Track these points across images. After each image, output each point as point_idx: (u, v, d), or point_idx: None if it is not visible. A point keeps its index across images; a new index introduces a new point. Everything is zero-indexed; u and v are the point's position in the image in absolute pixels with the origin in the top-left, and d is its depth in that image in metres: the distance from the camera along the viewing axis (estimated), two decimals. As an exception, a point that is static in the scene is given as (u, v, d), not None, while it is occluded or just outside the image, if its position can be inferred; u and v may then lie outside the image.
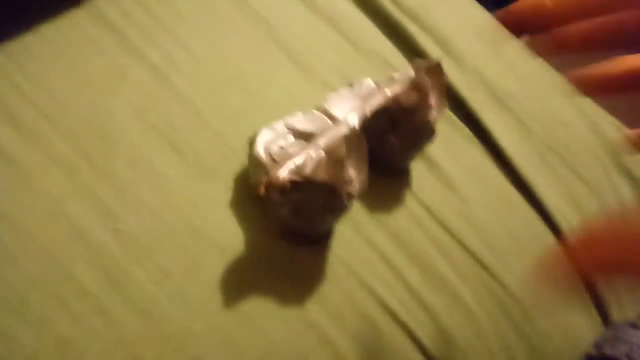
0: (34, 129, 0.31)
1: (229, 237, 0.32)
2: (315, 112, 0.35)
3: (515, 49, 0.56)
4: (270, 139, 0.32)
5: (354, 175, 0.31)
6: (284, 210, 0.31)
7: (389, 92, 0.36)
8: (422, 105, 0.35)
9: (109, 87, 0.35)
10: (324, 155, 0.30)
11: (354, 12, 0.49)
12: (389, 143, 0.36)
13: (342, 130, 0.32)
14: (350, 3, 0.50)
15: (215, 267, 0.31)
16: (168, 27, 0.40)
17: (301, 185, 0.29)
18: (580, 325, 0.41)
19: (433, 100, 0.36)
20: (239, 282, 0.31)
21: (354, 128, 0.32)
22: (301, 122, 0.33)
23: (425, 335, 0.34)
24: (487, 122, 0.45)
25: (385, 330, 0.33)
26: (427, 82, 0.36)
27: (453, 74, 0.46)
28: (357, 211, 0.37)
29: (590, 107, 0.52)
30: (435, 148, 0.42)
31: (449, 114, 0.45)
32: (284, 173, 0.29)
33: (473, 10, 0.55)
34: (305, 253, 0.33)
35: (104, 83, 0.35)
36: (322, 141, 0.31)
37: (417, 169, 0.40)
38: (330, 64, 0.44)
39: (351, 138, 0.31)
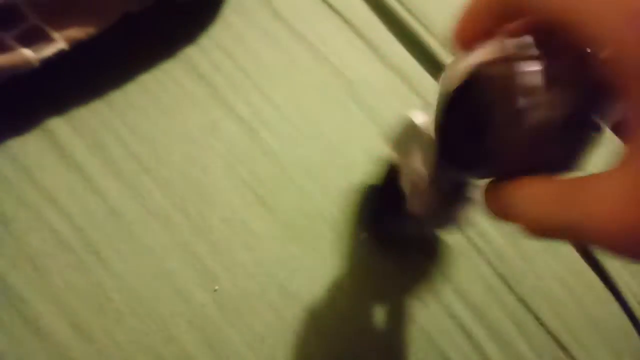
0: (136, 182, 0.32)
1: (316, 300, 0.32)
2: None
3: None
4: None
5: None
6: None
7: None
8: None
9: (203, 140, 0.36)
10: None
11: (421, 69, 0.50)
12: None
13: None
14: (417, 60, 0.51)
15: (305, 331, 0.31)
16: (255, 80, 0.41)
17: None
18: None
19: None
20: (328, 346, 0.31)
21: None
22: None
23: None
24: None
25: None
26: None
27: None
28: (436, 279, 0.37)
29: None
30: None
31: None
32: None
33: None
34: (387, 322, 0.33)
35: (199, 136, 0.36)
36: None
37: (495, 239, 0.41)
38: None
39: None
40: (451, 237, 0.39)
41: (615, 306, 0.42)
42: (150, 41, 0.39)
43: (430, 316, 0.35)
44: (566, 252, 0.43)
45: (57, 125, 0.32)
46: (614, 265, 0.44)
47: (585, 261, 0.43)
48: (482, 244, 0.40)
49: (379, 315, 0.34)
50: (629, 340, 0.41)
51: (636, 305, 0.43)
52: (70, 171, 0.31)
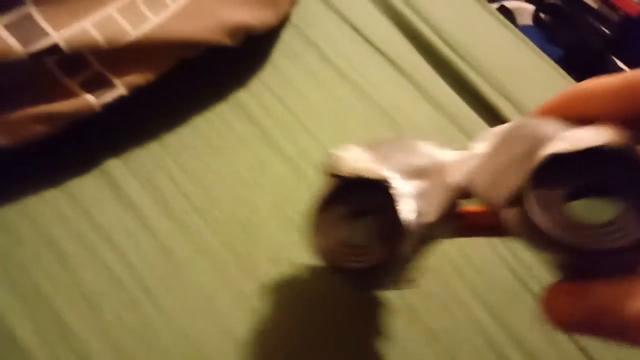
0: (186, 221, 0.33)
1: (359, 344, 0.32)
2: None
3: None
4: None
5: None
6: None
7: None
8: None
9: (252, 180, 0.37)
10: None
11: (468, 108, 0.50)
12: None
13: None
14: (463, 99, 0.51)
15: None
16: (302, 121, 0.42)
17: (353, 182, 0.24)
18: None
19: None
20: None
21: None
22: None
23: None
24: None
25: None
26: None
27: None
28: (489, 324, 0.35)
29: None
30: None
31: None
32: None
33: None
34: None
35: (248, 176, 0.37)
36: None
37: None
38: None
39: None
40: (503, 279, 0.38)
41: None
42: (203, 86, 0.40)
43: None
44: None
45: (114, 165, 0.34)
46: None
47: None
48: (533, 284, 0.38)
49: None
50: None
51: None
52: (124, 210, 0.32)
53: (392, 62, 0.50)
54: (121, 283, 0.29)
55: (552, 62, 0.59)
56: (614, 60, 1.00)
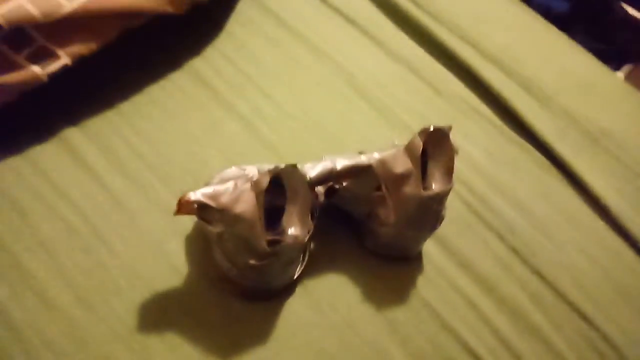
0: (140, 178, 0.37)
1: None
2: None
3: (613, 83, 0.56)
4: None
5: (295, 225, 0.29)
6: (217, 255, 0.31)
7: (376, 155, 0.33)
8: (412, 174, 0.32)
9: (205, 139, 0.40)
10: (249, 188, 0.28)
11: (430, 58, 0.51)
12: (379, 216, 0.34)
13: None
14: (426, 50, 0.52)
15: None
16: (255, 81, 0.45)
17: (211, 210, 0.28)
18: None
19: (436, 172, 0.33)
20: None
21: (304, 176, 0.31)
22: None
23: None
24: (580, 166, 0.44)
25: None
26: (418, 149, 0.32)
27: (539, 118, 0.47)
28: (438, 255, 0.37)
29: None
30: (527, 191, 0.42)
31: (539, 156, 0.45)
32: (196, 194, 0.28)
33: (563, 48, 0.56)
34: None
35: (201, 135, 0.40)
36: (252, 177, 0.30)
37: (506, 212, 0.41)
38: (410, 108, 0.47)
39: (296, 187, 0.30)
40: (456, 212, 0.40)
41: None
42: (157, 55, 0.44)
43: (432, 289, 0.36)
44: (589, 222, 0.42)
45: (72, 133, 0.38)
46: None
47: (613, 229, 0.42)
48: (491, 218, 0.40)
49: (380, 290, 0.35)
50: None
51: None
52: (82, 172, 0.36)
53: (351, 22, 0.52)
54: (77, 232, 0.33)
55: (524, 6, 0.60)
56: (622, 7, 0.98)
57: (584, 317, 0.37)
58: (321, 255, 0.35)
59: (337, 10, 0.52)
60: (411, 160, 0.32)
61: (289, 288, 0.33)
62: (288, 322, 0.32)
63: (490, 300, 0.36)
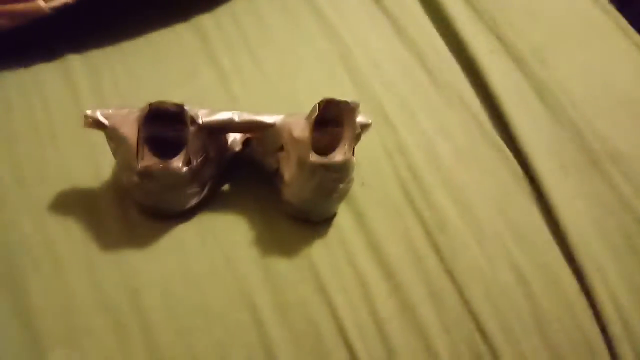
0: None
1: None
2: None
3: None
4: None
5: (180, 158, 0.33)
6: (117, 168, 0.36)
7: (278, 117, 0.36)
8: (306, 139, 0.33)
9: (179, 84, 0.45)
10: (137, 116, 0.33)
11: (445, 49, 0.50)
12: (282, 175, 0.36)
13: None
14: (445, 42, 0.51)
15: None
16: (249, 39, 0.48)
17: (104, 128, 0.33)
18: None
19: (345, 144, 0.33)
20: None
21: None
22: None
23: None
24: (559, 187, 0.42)
25: (328, 345, 0.34)
26: (312, 116, 0.33)
27: (536, 128, 0.45)
28: (350, 229, 0.38)
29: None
30: (480, 195, 0.41)
31: (515, 166, 0.43)
32: (94, 111, 0.34)
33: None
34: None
35: (177, 79, 0.45)
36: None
37: (443, 208, 0.40)
38: (395, 93, 0.47)
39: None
40: (390, 196, 0.40)
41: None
42: (172, 14, 0.48)
43: (326, 256, 0.37)
44: (540, 243, 0.40)
45: (73, 58, 0.45)
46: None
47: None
48: (425, 210, 0.40)
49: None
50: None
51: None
52: (68, 93, 0.43)
53: (378, 1, 0.53)
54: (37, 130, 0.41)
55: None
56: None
57: (481, 331, 0.35)
58: (229, 198, 0.39)
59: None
60: (307, 126, 0.33)
61: (184, 215, 0.37)
62: (169, 242, 0.36)
63: (384, 284, 0.36)
